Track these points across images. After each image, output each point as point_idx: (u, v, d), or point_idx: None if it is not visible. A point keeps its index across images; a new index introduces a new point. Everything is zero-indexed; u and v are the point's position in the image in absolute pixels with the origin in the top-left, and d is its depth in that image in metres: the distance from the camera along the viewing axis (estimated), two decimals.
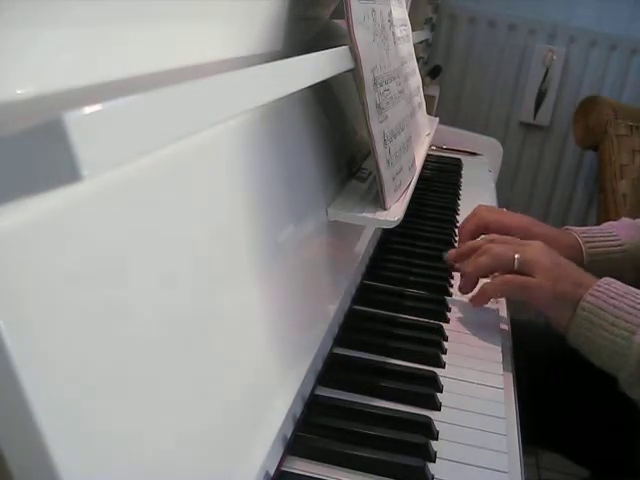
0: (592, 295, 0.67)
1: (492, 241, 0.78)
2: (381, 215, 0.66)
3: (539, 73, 2.05)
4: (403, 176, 0.74)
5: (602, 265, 0.86)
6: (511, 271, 0.72)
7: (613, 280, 0.69)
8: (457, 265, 0.81)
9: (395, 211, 0.67)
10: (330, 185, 0.69)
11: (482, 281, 0.78)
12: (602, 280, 0.69)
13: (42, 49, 0.30)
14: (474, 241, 0.82)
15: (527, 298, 0.72)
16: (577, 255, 0.86)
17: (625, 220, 0.92)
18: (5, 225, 0.25)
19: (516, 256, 0.72)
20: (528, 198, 2.13)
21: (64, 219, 0.28)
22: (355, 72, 0.62)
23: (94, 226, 0.30)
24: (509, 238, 0.79)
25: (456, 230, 1.06)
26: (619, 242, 0.87)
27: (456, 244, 0.98)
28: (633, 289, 0.68)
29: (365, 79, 0.63)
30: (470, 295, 0.78)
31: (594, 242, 0.87)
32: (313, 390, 0.58)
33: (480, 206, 0.93)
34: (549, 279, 0.70)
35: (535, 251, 0.73)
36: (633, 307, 0.66)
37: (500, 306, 0.81)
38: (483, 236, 0.88)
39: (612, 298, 0.67)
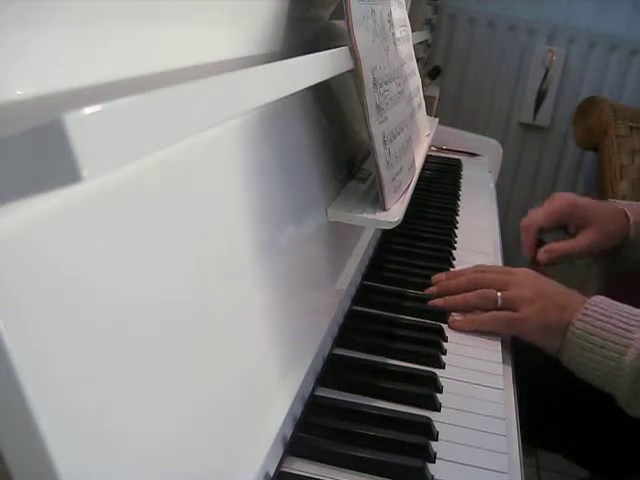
0: (580, 320, 0.68)
1: (483, 272, 0.79)
2: (381, 216, 0.66)
3: (539, 74, 2.05)
4: (403, 177, 0.74)
5: None
6: (495, 308, 0.74)
7: (601, 299, 0.70)
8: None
9: (395, 212, 0.67)
10: (330, 186, 0.69)
11: None
12: (590, 301, 0.69)
13: (42, 49, 0.30)
14: (463, 270, 0.83)
15: (514, 332, 0.73)
16: (624, 223, 0.90)
17: None
18: (5, 225, 0.25)
19: (499, 294, 0.73)
20: (528, 199, 2.13)
21: (64, 220, 0.28)
22: (355, 73, 0.62)
23: (94, 226, 0.30)
24: (498, 268, 0.82)
25: (456, 231, 1.06)
26: None
27: (454, 250, 0.98)
28: (621, 306, 0.69)
29: (365, 80, 0.63)
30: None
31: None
32: (313, 391, 0.58)
33: (528, 221, 0.94)
34: (533, 309, 0.71)
35: (518, 284, 0.74)
36: (621, 327, 0.66)
37: None
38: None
39: (600, 320, 0.67)
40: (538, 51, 2.04)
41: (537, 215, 0.93)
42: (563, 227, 0.94)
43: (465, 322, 0.74)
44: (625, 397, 0.65)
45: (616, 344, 0.65)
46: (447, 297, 0.77)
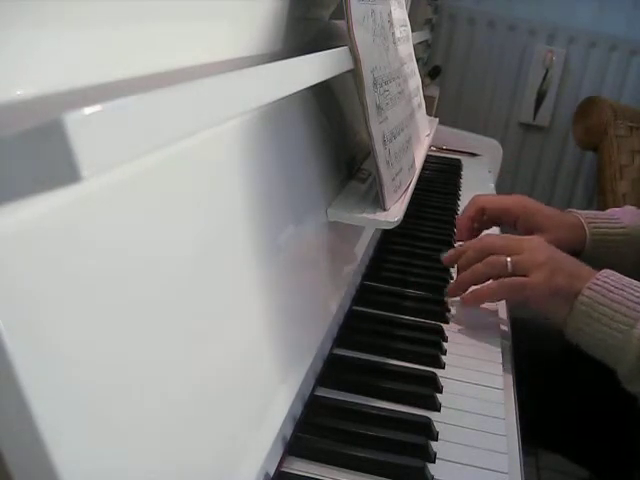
0: (590, 289, 0.66)
1: (492, 241, 0.78)
2: (381, 216, 0.66)
3: (539, 74, 2.05)
4: (403, 177, 0.75)
5: (604, 246, 0.86)
6: (506, 275, 0.72)
7: (612, 272, 0.68)
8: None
9: (395, 212, 0.67)
10: (330, 185, 0.69)
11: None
12: (601, 273, 0.68)
13: (42, 49, 0.30)
14: (472, 242, 0.81)
15: (523, 298, 0.72)
16: (580, 235, 0.87)
17: (629, 207, 0.94)
18: (5, 225, 0.25)
19: (508, 259, 0.72)
20: None
21: (64, 219, 0.28)
22: (355, 73, 0.62)
23: (94, 226, 0.30)
24: (507, 236, 0.79)
25: (456, 231, 1.06)
26: (622, 225, 0.88)
27: (455, 243, 0.99)
28: (632, 281, 0.67)
29: (365, 80, 0.63)
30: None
31: (597, 223, 0.88)
32: (313, 391, 0.58)
33: (476, 195, 0.94)
34: (543, 275, 0.69)
35: (529, 250, 0.72)
36: (632, 300, 0.65)
37: (500, 306, 0.81)
38: (485, 231, 0.89)
39: (610, 292, 0.66)
40: (538, 51, 2.04)
41: (484, 197, 0.92)
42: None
43: (472, 297, 0.73)
44: (629, 372, 0.64)
45: (625, 316, 0.64)
46: (458, 280, 0.76)
